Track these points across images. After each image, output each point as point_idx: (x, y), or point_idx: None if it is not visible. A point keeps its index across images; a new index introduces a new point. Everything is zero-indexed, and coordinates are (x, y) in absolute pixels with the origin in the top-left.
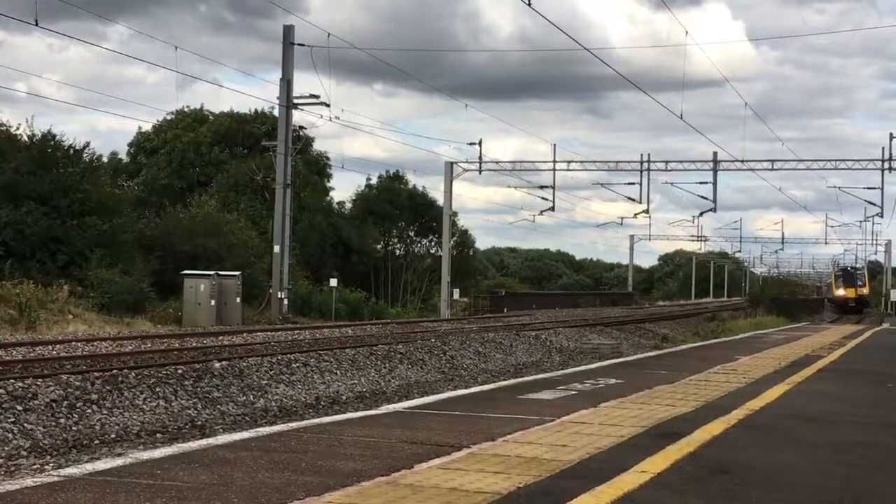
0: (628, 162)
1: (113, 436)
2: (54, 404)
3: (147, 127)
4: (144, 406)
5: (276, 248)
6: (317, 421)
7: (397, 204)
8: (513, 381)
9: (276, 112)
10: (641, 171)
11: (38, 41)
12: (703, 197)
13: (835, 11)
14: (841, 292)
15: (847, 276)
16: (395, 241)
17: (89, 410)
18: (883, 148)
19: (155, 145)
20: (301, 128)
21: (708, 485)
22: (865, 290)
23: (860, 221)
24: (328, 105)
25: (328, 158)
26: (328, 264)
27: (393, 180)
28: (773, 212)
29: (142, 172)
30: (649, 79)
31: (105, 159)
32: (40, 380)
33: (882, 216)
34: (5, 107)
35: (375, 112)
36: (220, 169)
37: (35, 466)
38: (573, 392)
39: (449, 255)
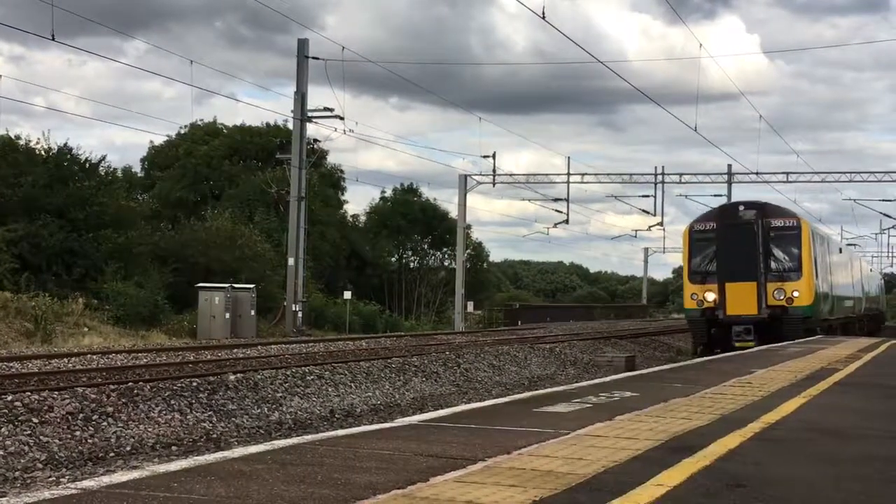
0: (643, 174)
1: (128, 448)
2: (70, 417)
3: (158, 140)
4: (160, 419)
5: (291, 261)
6: (332, 434)
7: (411, 217)
8: (527, 393)
9: (290, 125)
10: (656, 184)
11: (56, 56)
12: None
13: (847, 26)
14: (710, 296)
15: (731, 235)
16: (409, 253)
17: (105, 423)
18: None
19: (168, 160)
20: (315, 141)
21: (723, 498)
22: (797, 291)
23: (876, 234)
24: (342, 118)
25: (342, 171)
26: (342, 277)
27: (407, 193)
28: None
29: (156, 186)
30: (664, 92)
31: (120, 173)
32: (56, 392)
33: None
34: (23, 121)
35: (390, 125)
36: (232, 182)
37: (51, 479)
38: (588, 405)
39: (463, 268)
